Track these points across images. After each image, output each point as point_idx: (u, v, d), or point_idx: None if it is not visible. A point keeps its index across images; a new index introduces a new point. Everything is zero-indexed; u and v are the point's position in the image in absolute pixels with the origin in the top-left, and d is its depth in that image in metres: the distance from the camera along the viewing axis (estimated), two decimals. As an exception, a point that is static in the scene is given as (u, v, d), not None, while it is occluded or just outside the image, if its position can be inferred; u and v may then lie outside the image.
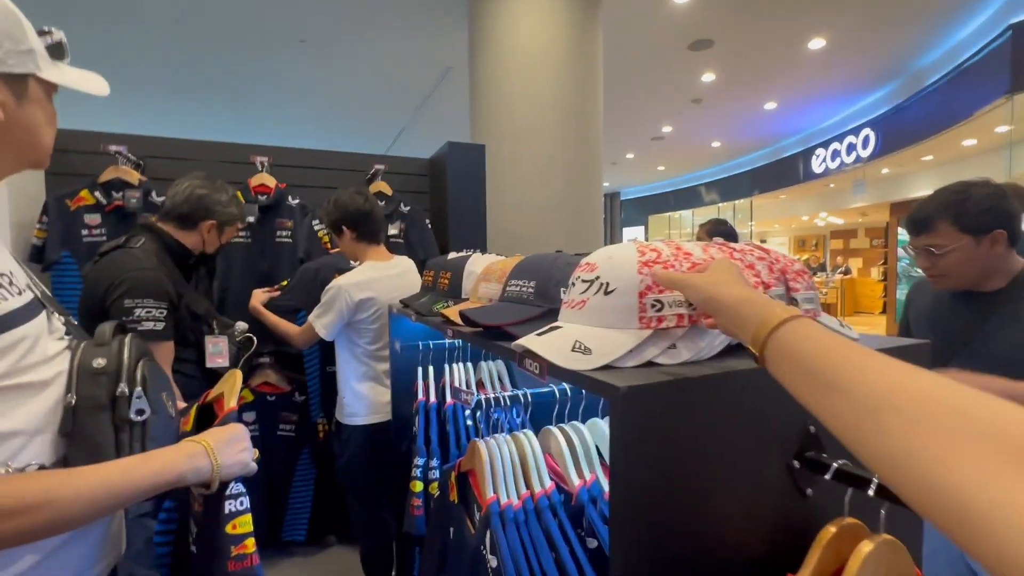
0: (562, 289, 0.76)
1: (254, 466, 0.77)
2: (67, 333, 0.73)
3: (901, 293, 9.16)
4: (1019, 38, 4.65)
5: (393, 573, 1.92)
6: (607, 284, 0.62)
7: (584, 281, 0.65)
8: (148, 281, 1.33)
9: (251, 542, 0.73)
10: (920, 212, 1.29)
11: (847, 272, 12.61)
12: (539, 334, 0.64)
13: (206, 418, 0.90)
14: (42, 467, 0.63)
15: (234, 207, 1.62)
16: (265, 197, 2.30)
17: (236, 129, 7.70)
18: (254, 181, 2.30)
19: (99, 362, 0.70)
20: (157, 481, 0.65)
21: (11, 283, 0.62)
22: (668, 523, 0.56)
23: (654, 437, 0.55)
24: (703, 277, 0.55)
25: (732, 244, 0.76)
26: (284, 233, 2.35)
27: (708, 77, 6.29)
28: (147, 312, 1.29)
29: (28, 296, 0.65)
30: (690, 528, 0.58)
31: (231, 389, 0.87)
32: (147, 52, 5.20)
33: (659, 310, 0.60)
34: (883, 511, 0.55)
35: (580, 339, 0.60)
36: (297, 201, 2.39)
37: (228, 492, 0.72)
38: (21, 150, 0.69)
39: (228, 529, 0.72)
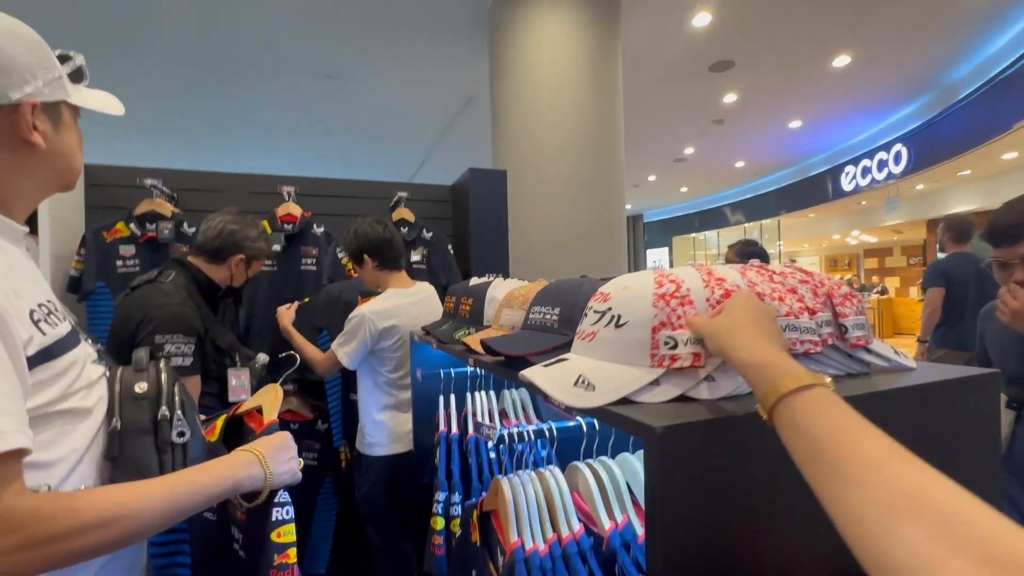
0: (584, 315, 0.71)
1: (300, 475, 0.79)
2: (99, 359, 0.76)
3: (944, 313, 8.71)
4: (1058, 47, 4.48)
5: (415, 611, 1.84)
6: (619, 317, 0.58)
7: (596, 312, 0.61)
8: (177, 317, 1.35)
9: (293, 552, 0.74)
10: (1006, 219, 1.12)
11: (884, 292, 12.13)
12: (546, 366, 0.62)
13: (233, 430, 0.92)
14: None
15: (263, 242, 1.65)
16: (291, 226, 2.34)
17: (266, 160, 8.00)
18: (281, 210, 2.35)
19: (141, 386, 0.73)
20: (218, 490, 0.68)
21: (56, 310, 0.65)
22: (713, 567, 0.50)
23: (694, 480, 0.50)
24: (715, 325, 0.52)
25: (771, 267, 0.71)
26: (309, 261, 2.38)
27: (730, 98, 6.26)
28: (176, 347, 1.31)
29: (68, 324, 0.67)
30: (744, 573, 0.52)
31: (271, 402, 0.89)
32: (182, 88, 5.49)
33: (673, 348, 0.55)
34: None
35: (584, 374, 0.56)
36: (322, 229, 2.43)
37: (276, 500, 0.74)
38: (57, 175, 0.71)
39: (273, 537, 0.73)
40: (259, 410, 0.91)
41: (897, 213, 8.61)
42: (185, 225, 2.17)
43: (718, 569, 0.51)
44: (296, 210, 2.36)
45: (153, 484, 0.64)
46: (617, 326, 0.57)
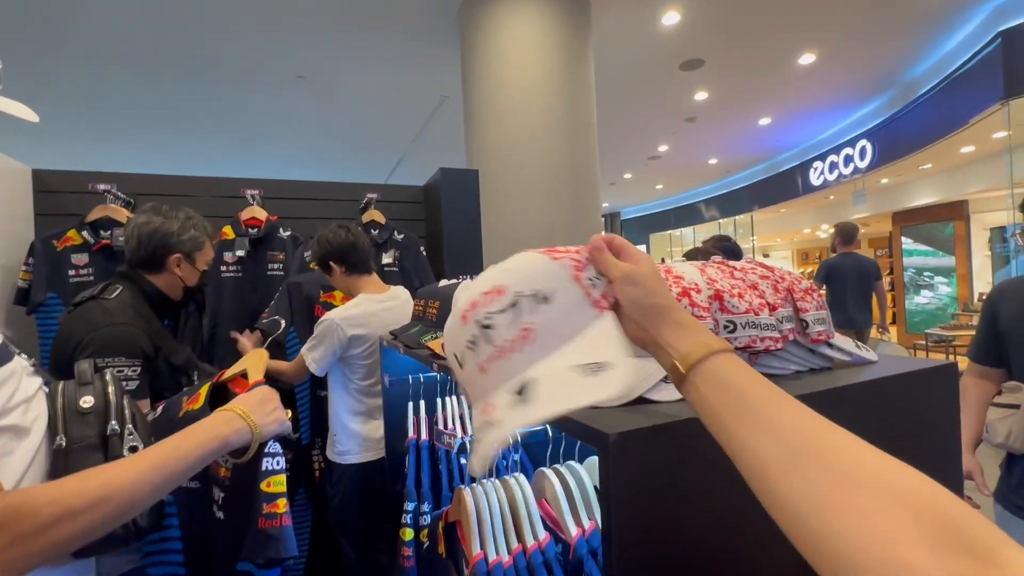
0: (465, 351, 0.47)
1: (289, 424, 0.77)
2: (35, 374, 0.72)
3: (909, 302, 9.01)
4: (1009, 45, 4.66)
5: (392, 623, 1.80)
6: (535, 292, 0.45)
7: (503, 311, 0.45)
8: (118, 338, 1.23)
9: (283, 502, 0.74)
10: None
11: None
12: (521, 404, 0.42)
13: (219, 397, 0.91)
14: None
15: (193, 230, 1.48)
16: (256, 230, 2.26)
17: (236, 164, 7.80)
18: (244, 215, 2.27)
19: (87, 401, 0.71)
20: (205, 451, 0.67)
21: None
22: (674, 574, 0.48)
23: (653, 486, 0.48)
24: (636, 268, 0.47)
25: (732, 263, 0.70)
26: (276, 266, 2.31)
27: (701, 95, 6.34)
28: (119, 371, 1.20)
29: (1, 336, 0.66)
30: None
31: (256, 365, 0.89)
32: (146, 90, 5.30)
33: (595, 286, 0.47)
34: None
35: (578, 362, 0.43)
36: (289, 233, 2.36)
37: (266, 450, 0.74)
38: None
39: (263, 487, 0.72)
40: (244, 375, 0.90)
41: (864, 206, 8.85)
42: (142, 232, 2.08)
43: (675, 569, 0.49)
44: (261, 214, 2.29)
45: (136, 459, 0.63)
46: (544, 300, 0.45)
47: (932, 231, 8.63)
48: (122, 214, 2.08)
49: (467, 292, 0.48)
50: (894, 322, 9.28)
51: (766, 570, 0.53)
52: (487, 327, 0.45)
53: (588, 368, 0.41)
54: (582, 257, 0.48)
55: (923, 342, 7.10)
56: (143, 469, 0.61)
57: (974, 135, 5.98)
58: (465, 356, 0.46)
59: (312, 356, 1.74)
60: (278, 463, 0.75)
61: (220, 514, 0.83)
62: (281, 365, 1.86)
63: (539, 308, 0.45)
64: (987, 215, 7.97)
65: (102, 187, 2.06)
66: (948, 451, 0.74)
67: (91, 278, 1.99)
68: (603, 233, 0.50)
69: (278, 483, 0.74)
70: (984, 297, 1.50)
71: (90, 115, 5.76)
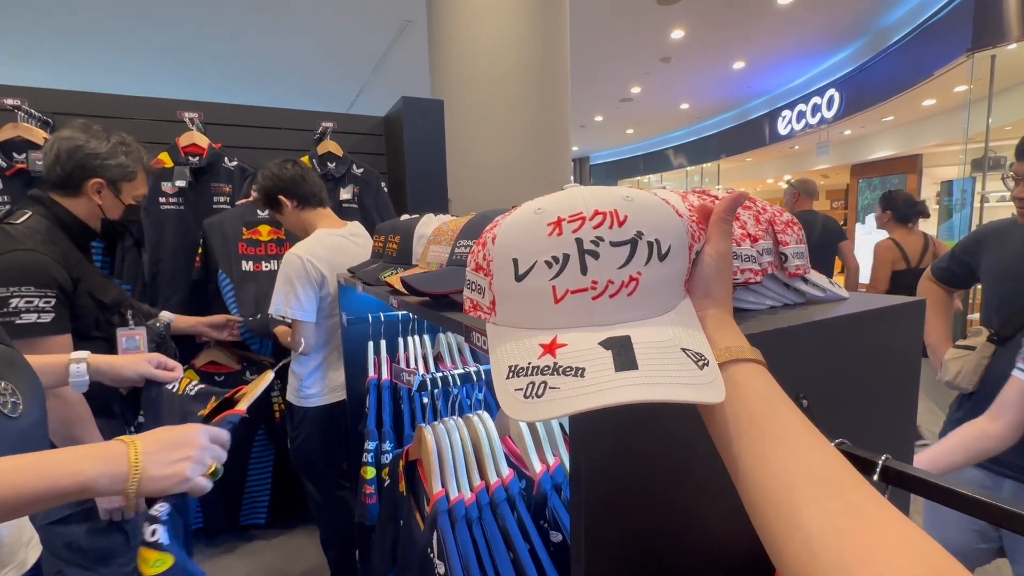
0: (539, 264, 0.37)
1: (201, 483, 0.63)
2: None
3: (858, 253, 9.45)
4: (982, -6, 4.64)
5: (356, 556, 1.84)
6: (658, 243, 0.37)
7: (617, 244, 0.36)
8: (27, 264, 1.10)
9: None
10: None
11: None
12: (622, 367, 0.32)
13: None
14: None
15: (123, 156, 1.32)
16: (197, 159, 2.06)
17: (176, 89, 7.10)
18: (183, 141, 2.06)
19: None
20: (46, 488, 0.51)
21: None
22: (640, 517, 0.47)
23: (624, 422, 0.45)
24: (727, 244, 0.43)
25: (713, 192, 0.65)
26: (222, 199, 2.13)
27: (677, 34, 6.12)
28: (27, 302, 1.08)
29: None
30: (666, 522, 0.49)
31: (252, 391, 0.77)
32: (80, 3, 4.64)
33: (693, 262, 0.42)
34: (886, 496, 0.48)
35: (683, 345, 0.35)
36: (236, 163, 2.17)
37: (151, 511, 0.58)
38: None
39: (139, 563, 0.56)
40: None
41: (826, 158, 9.01)
42: (63, 155, 1.86)
43: (649, 515, 0.48)
44: (202, 140, 2.08)
45: None
46: (662, 257, 0.37)
47: (886, 184, 8.93)
48: (38, 135, 1.84)
49: (569, 200, 0.38)
50: (843, 271, 9.75)
51: (733, 514, 0.52)
52: (590, 252, 0.35)
53: (695, 356, 0.34)
54: (695, 228, 0.42)
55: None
56: None
57: (937, 88, 6.06)
58: (536, 270, 0.36)
59: (295, 306, 1.57)
60: (161, 535, 0.57)
61: None
62: (288, 333, 1.73)
63: (653, 261, 0.37)
64: (938, 169, 8.27)
65: (10, 102, 1.80)
66: (907, 382, 0.75)
67: (6, 206, 1.78)
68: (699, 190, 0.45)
69: (159, 563, 0.56)
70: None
71: (15, 30, 5.04)
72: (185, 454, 0.62)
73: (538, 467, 0.73)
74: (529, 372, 0.33)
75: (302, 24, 5.38)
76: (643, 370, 0.32)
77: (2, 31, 5.24)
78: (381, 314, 1.38)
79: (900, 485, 0.48)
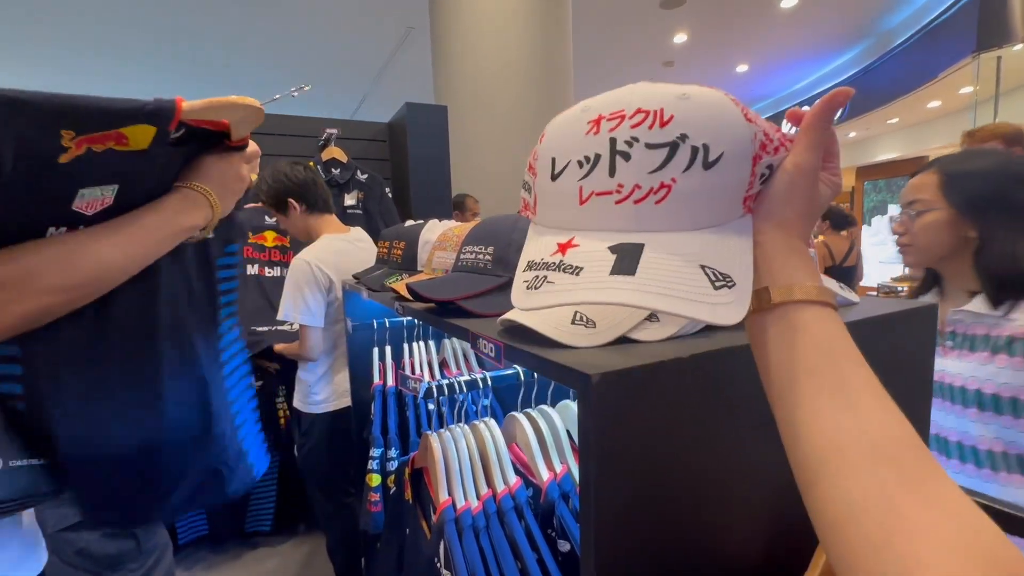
0: (572, 163, 0.36)
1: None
2: None
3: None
4: (987, -5, 4.62)
5: (362, 563, 1.83)
6: (706, 149, 0.33)
7: (653, 147, 0.33)
8: None
9: None
10: None
11: (815, 236, 12.89)
12: (617, 271, 0.32)
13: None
14: None
15: None
16: (203, 166, 2.07)
17: (173, 94, 7.15)
18: (189, 148, 2.07)
19: None
20: (170, 231, 0.61)
21: None
22: (653, 526, 0.46)
23: (636, 430, 0.44)
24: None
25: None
26: (227, 205, 2.14)
27: (680, 38, 6.12)
28: None
29: None
30: (679, 531, 0.48)
31: (241, 114, 0.69)
32: (75, 6, 4.70)
33: (765, 180, 0.36)
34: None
35: (705, 262, 0.33)
36: (240, 170, 2.17)
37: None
38: None
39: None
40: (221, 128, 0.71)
41: (831, 160, 8.99)
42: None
43: (662, 523, 0.47)
44: (207, 147, 2.09)
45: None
46: (707, 166, 0.32)
47: (892, 186, 8.88)
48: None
49: (616, 96, 0.35)
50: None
51: (748, 525, 0.51)
52: (622, 153, 0.33)
53: (717, 275, 0.31)
54: (775, 138, 0.36)
55: (875, 293, 7.47)
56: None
57: (942, 90, 6.04)
58: (569, 169, 0.35)
59: (307, 308, 1.58)
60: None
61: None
62: (291, 348, 1.74)
63: (696, 168, 0.32)
64: (944, 171, 8.22)
65: None
66: (921, 391, 0.74)
67: None
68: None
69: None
70: None
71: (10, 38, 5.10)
72: (237, 185, 0.70)
73: (545, 475, 0.72)
74: (539, 267, 0.35)
75: (306, 31, 5.43)
76: (639, 277, 0.31)
77: (9, 41, 5.31)
78: (386, 320, 1.37)
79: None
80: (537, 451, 0.74)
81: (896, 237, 1.08)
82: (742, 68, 7.44)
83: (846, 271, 3.79)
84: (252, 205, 2.11)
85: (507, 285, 0.68)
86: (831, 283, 0.72)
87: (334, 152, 2.30)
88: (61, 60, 5.85)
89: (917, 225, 1.01)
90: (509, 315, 0.47)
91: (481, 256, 0.75)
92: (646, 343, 0.50)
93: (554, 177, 0.37)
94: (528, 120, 3.38)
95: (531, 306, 0.33)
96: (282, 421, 2.24)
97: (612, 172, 0.34)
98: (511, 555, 0.63)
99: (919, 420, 0.76)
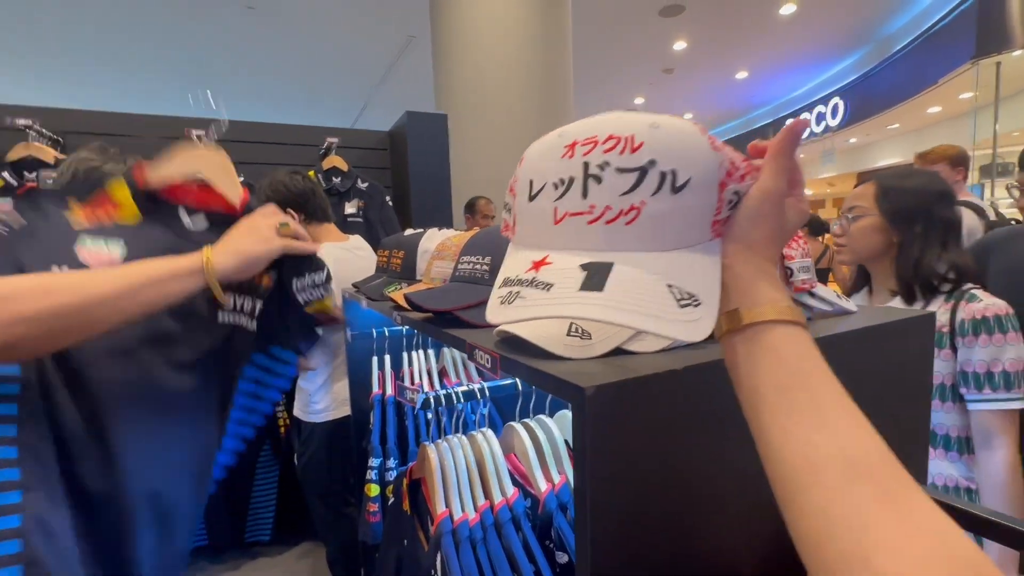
0: (547, 185, 0.38)
1: (279, 242, 0.72)
2: None
3: (867, 261, 9.38)
4: (985, 2, 4.64)
5: (362, 574, 1.82)
6: (674, 174, 0.34)
7: (624, 171, 0.35)
8: None
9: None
10: None
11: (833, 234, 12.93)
12: (587, 287, 0.34)
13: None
14: None
15: None
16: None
17: (179, 105, 7.20)
18: (191, 157, 2.08)
19: None
20: (152, 276, 0.60)
21: None
22: (649, 537, 0.46)
23: (631, 442, 0.44)
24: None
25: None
26: (229, 214, 2.15)
27: (680, 45, 6.16)
28: None
29: None
30: (676, 542, 0.48)
31: (220, 173, 0.76)
32: (78, 18, 4.75)
33: (733, 206, 0.37)
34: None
35: (672, 281, 0.34)
36: (242, 179, 2.18)
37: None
38: None
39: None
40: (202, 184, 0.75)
41: (831, 166, 8.99)
42: (74, 174, 1.89)
43: (658, 536, 0.47)
44: (209, 157, 2.10)
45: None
46: (675, 190, 0.34)
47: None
48: (49, 154, 1.87)
49: (591, 124, 0.38)
50: (851, 279, 9.68)
51: (743, 537, 0.51)
52: (595, 177, 0.35)
53: (683, 294, 0.33)
54: (741, 166, 0.38)
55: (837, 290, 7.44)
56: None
57: (942, 95, 6.05)
58: (543, 191, 0.38)
59: None
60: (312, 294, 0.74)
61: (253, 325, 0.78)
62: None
63: (664, 192, 0.34)
64: (945, 176, 8.22)
65: (22, 122, 1.84)
66: (919, 400, 0.73)
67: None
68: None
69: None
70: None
71: (3, 39, 5.16)
72: (246, 236, 0.69)
73: (543, 486, 0.71)
74: (513, 283, 0.37)
75: (308, 41, 5.48)
76: (607, 293, 0.33)
77: (16, 52, 5.37)
78: (385, 329, 1.37)
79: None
80: (535, 462, 0.73)
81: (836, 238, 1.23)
82: (742, 75, 7.47)
83: (819, 272, 4.12)
84: None
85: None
86: (828, 293, 0.72)
87: (335, 161, 2.31)
88: (64, 71, 5.91)
89: (853, 228, 1.15)
90: (504, 326, 0.47)
91: (478, 266, 0.75)
92: (640, 354, 0.50)
93: (531, 198, 0.39)
94: (528, 128, 3.40)
95: (503, 320, 0.35)
96: (282, 430, 2.24)
97: (585, 194, 0.36)
98: (508, 568, 0.62)
99: (919, 425, 0.75)
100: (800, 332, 0.34)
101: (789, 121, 0.38)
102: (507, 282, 0.37)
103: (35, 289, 0.53)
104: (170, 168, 0.73)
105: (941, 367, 1.03)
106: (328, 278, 0.88)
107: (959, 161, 2.54)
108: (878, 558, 0.24)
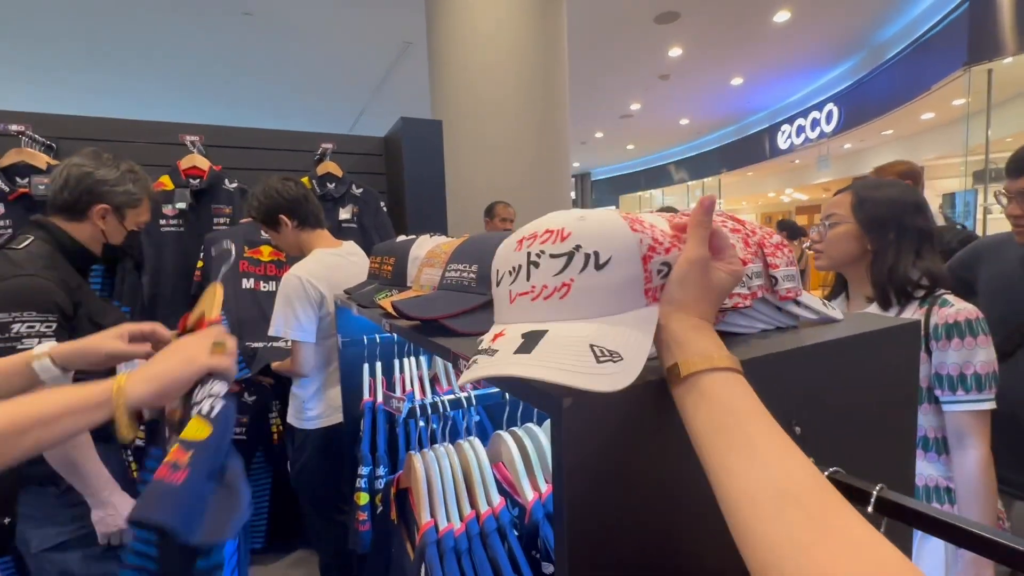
0: (505, 273, 0.47)
1: (208, 361, 0.67)
2: None
3: (863, 266, 9.40)
4: (976, 9, 4.69)
5: (354, 581, 1.80)
6: (596, 255, 0.42)
7: (555, 256, 0.43)
8: (29, 290, 1.10)
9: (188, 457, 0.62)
10: (1019, 154, 1.21)
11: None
12: (519, 351, 0.40)
13: None
14: None
15: (130, 184, 1.34)
16: (198, 181, 2.09)
17: (175, 110, 7.22)
18: (184, 163, 2.08)
19: None
20: (52, 410, 0.57)
21: None
22: (629, 548, 0.46)
23: (609, 453, 0.44)
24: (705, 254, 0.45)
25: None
26: (222, 220, 2.15)
27: (675, 52, 6.20)
28: (29, 327, 1.07)
29: None
30: (656, 552, 0.47)
31: (211, 303, 0.80)
32: (73, 24, 4.76)
33: (665, 276, 0.44)
34: (882, 530, 0.46)
35: (595, 342, 0.40)
36: (236, 185, 2.19)
37: (210, 389, 0.65)
38: None
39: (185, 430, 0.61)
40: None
41: (827, 171, 9.04)
42: (66, 180, 1.88)
43: (630, 545, 0.46)
44: (203, 163, 2.10)
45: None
46: (598, 267, 0.42)
47: (888, 196, 8.92)
48: (41, 159, 1.87)
49: (536, 223, 0.47)
50: (847, 284, 9.70)
51: (718, 544, 0.50)
52: (534, 264, 0.44)
53: (603, 352, 0.39)
54: (665, 241, 0.45)
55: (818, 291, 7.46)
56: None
57: (935, 102, 6.10)
58: (504, 278, 0.47)
59: (298, 323, 1.58)
60: (216, 410, 0.62)
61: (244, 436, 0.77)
62: (284, 365, 1.74)
63: (589, 270, 0.42)
64: (940, 182, 8.27)
65: (14, 128, 1.84)
66: (905, 405, 0.73)
67: (9, 230, 1.80)
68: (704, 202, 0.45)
69: (200, 431, 0.60)
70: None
71: (14, 52, 5.16)
72: (169, 360, 0.65)
73: (530, 495, 0.71)
74: (478, 352, 0.43)
75: (305, 47, 5.49)
76: (534, 355, 0.39)
77: (9, 58, 5.37)
78: (377, 336, 1.37)
79: (896, 517, 0.46)
80: (522, 470, 0.73)
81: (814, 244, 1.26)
82: (737, 81, 7.52)
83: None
84: (247, 219, 2.12)
85: (490, 304, 0.67)
86: (814, 301, 0.72)
87: (329, 166, 2.31)
88: (59, 76, 5.91)
89: (829, 235, 1.18)
90: (503, 369, 0.42)
91: (465, 274, 0.75)
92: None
93: (497, 284, 0.48)
94: (524, 134, 3.41)
95: (462, 381, 0.42)
96: (275, 436, 2.23)
97: (528, 277, 0.44)
98: (493, 578, 0.62)
99: (907, 431, 0.75)
100: (731, 377, 0.38)
101: (700, 197, 0.45)
102: (477, 351, 0.44)
103: None
104: (195, 312, 0.81)
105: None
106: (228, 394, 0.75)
107: (907, 175, 2.84)
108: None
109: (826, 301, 0.73)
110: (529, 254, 0.44)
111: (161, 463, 0.58)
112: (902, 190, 1.15)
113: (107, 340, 0.83)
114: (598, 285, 0.42)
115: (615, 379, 0.36)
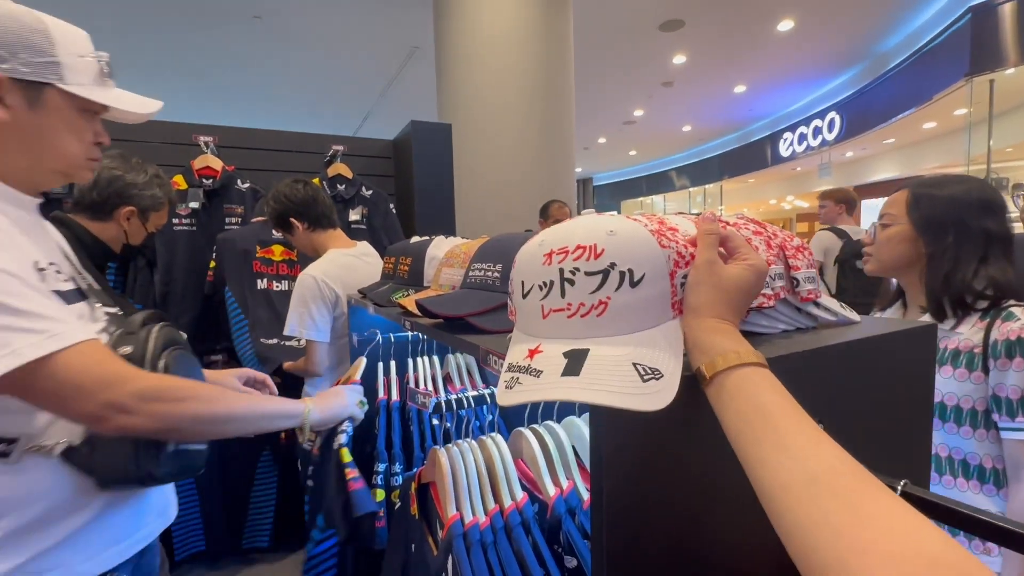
0: (535, 287, 0.46)
1: (354, 410, 1.02)
2: (110, 323, 0.81)
3: (864, 274, 9.43)
4: (978, 21, 4.74)
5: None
6: (631, 272, 0.43)
7: (591, 274, 0.43)
8: None
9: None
10: None
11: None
12: (567, 372, 0.41)
13: None
14: (70, 446, 0.70)
15: (157, 188, 1.39)
16: (211, 181, 2.11)
17: (187, 112, 7.26)
18: (197, 163, 2.10)
19: (125, 350, 0.76)
20: (272, 410, 0.87)
21: (58, 272, 0.73)
22: (664, 543, 0.47)
23: (647, 449, 0.45)
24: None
25: (725, 218, 0.66)
26: (234, 220, 2.17)
27: (679, 59, 6.24)
28: None
29: (71, 284, 0.76)
30: (691, 548, 0.49)
31: (356, 369, 1.15)
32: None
33: (683, 287, 0.46)
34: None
35: (637, 360, 0.41)
36: (248, 185, 2.21)
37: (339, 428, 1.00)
38: (34, 154, 0.73)
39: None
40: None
41: (828, 179, 9.08)
42: (81, 178, 1.90)
43: (665, 536, 0.48)
44: (216, 163, 2.13)
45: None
46: (633, 284, 0.43)
47: (889, 205, 8.95)
48: (57, 158, 1.89)
49: (563, 235, 0.46)
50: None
51: (761, 541, 0.52)
52: (569, 281, 0.44)
53: (647, 370, 0.40)
54: (687, 254, 0.46)
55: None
56: (228, 396, 0.78)
57: (937, 111, 6.14)
58: (532, 291, 0.46)
59: (310, 327, 1.60)
60: (343, 439, 1.00)
61: (310, 482, 1.07)
62: (298, 365, 1.75)
63: (624, 288, 0.43)
64: (941, 191, 8.31)
65: (32, 126, 1.85)
66: (922, 409, 0.75)
67: (24, 228, 1.82)
68: (710, 214, 0.48)
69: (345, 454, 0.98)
70: None
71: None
72: (336, 400, 0.98)
73: (552, 491, 0.72)
74: (515, 369, 0.44)
75: (313, 51, 5.54)
76: (582, 377, 0.40)
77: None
78: (391, 335, 1.38)
79: (921, 511, 0.47)
80: (544, 467, 0.74)
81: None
82: (740, 89, 7.57)
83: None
84: (259, 219, 2.14)
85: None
86: (833, 303, 0.74)
87: (339, 168, 2.33)
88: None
89: (881, 236, 1.09)
90: (553, 394, 0.43)
91: (490, 273, 0.77)
92: (654, 360, 0.51)
93: (524, 296, 0.47)
94: (531, 138, 3.44)
95: (509, 403, 0.42)
96: (282, 435, 2.23)
97: (563, 294, 0.44)
98: (519, 571, 0.63)
99: (922, 434, 0.76)
100: (756, 371, 0.39)
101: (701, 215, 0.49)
102: (511, 368, 0.45)
103: (212, 395, 0.73)
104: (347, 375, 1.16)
105: (972, 391, 0.95)
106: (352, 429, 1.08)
107: (842, 199, 3.25)
108: (852, 561, 0.26)
109: (843, 304, 0.75)
110: (562, 271, 0.44)
111: (357, 479, 0.98)
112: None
113: (229, 378, 1.10)
114: (633, 302, 0.43)
115: (660, 396, 0.39)
